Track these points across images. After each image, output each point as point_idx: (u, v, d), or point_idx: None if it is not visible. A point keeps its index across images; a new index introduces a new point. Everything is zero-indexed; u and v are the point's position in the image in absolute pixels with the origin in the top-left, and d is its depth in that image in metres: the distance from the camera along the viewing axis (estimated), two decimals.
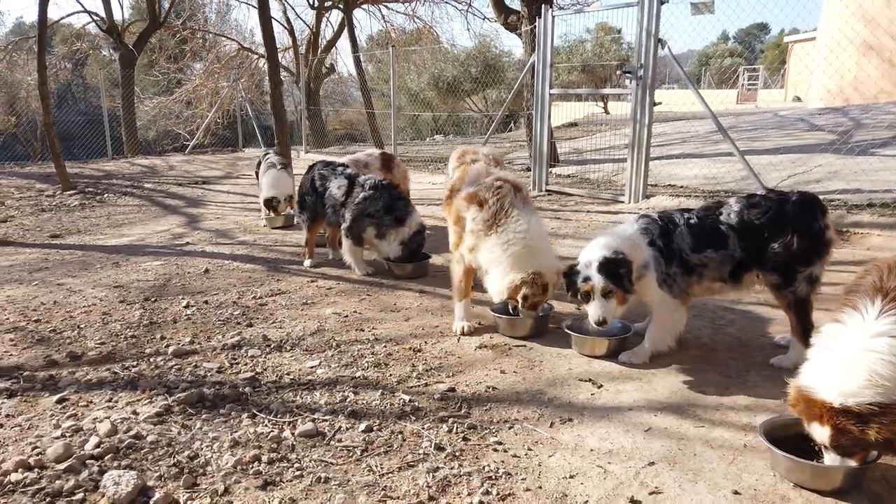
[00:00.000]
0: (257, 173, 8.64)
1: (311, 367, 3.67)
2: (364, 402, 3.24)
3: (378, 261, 5.78)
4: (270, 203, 7.66)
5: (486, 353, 3.85)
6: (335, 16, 23.44)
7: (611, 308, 3.43)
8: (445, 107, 27.27)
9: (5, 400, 3.29)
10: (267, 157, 8.12)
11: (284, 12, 22.50)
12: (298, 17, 27.10)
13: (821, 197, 7.96)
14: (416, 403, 3.21)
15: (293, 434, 2.93)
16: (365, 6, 22.57)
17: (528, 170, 12.25)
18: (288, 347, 3.98)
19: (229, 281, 5.48)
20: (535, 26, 10.22)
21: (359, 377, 3.53)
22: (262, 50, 24.07)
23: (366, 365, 3.69)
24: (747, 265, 3.43)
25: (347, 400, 3.27)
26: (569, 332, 3.83)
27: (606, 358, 3.67)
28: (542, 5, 10.60)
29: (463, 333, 4.13)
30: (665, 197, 8.47)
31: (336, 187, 5.61)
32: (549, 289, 3.89)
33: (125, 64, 19.99)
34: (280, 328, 4.33)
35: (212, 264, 6.00)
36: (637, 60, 8.33)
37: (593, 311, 3.45)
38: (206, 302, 4.89)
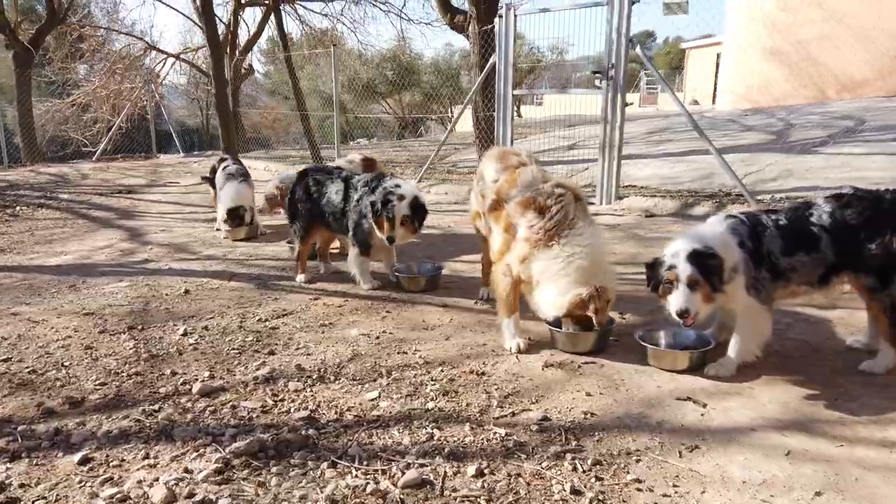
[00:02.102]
0: (211, 180, 7.93)
1: (372, 400, 3.20)
2: (455, 439, 2.83)
3: (385, 275, 5.32)
4: (237, 212, 6.99)
5: (556, 373, 3.52)
6: (247, 14, 22.37)
7: (695, 301, 3.18)
8: (360, 110, 26.73)
9: (9, 464, 2.64)
10: (226, 167, 7.45)
11: (197, 8, 21.19)
12: (214, 13, 25.48)
13: (783, 195, 8.30)
14: (516, 437, 2.83)
15: (395, 485, 2.48)
16: (282, 6, 21.66)
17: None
18: (331, 378, 3.48)
19: (220, 302, 4.84)
20: (491, 27, 10.00)
21: (432, 409, 3.10)
22: (168, 49, 22.68)
23: (432, 394, 3.26)
24: (839, 268, 3.29)
25: (435, 438, 2.84)
26: (644, 344, 3.57)
27: (689, 372, 3.43)
28: (497, 5, 10.43)
29: (520, 351, 3.77)
30: (639, 198, 8.46)
31: (334, 192, 5.11)
32: (611, 305, 3.65)
33: (20, 63, 18.10)
34: (309, 355, 3.81)
35: (189, 284, 5.32)
36: (608, 61, 8.26)
37: (676, 299, 3.19)
38: (206, 328, 4.27)
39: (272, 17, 16.96)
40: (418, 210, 4.78)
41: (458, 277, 5.41)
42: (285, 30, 21.02)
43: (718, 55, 25.15)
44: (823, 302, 4.10)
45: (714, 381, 3.32)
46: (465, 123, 12.60)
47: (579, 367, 3.58)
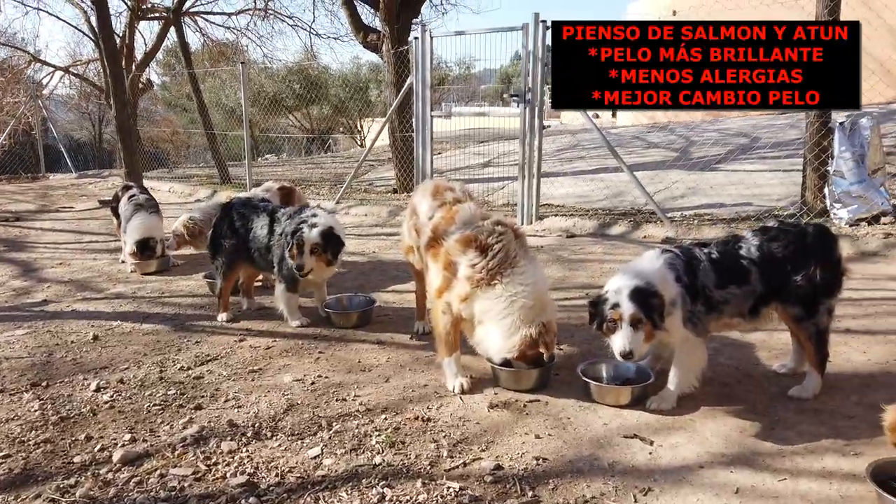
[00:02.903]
0: (115, 209, 7.40)
1: (315, 458, 3.02)
2: (408, 498, 2.70)
3: (314, 309, 5.11)
4: (147, 244, 6.53)
5: (502, 414, 3.46)
6: (142, 26, 21.24)
7: (639, 340, 3.22)
8: (266, 124, 26.07)
9: None
10: (132, 196, 6.97)
11: (88, 20, 19.91)
12: (113, 32, 23.96)
13: (690, 212, 8.70)
14: (471, 491, 2.73)
15: None
16: (183, 17, 20.75)
17: (395, 192, 11.97)
18: (267, 433, 3.27)
19: (134, 349, 4.48)
20: (406, 48, 9.97)
21: (380, 465, 2.96)
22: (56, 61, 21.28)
23: (378, 447, 3.12)
24: (767, 299, 3.43)
25: (387, 498, 2.70)
26: (586, 380, 3.57)
27: (631, 406, 3.46)
28: (411, 26, 10.41)
29: (463, 392, 3.69)
30: (558, 218, 8.62)
31: (260, 227, 4.87)
32: (555, 337, 3.65)
33: None
34: (240, 407, 3.57)
35: (98, 328, 4.90)
36: (524, 85, 8.41)
37: (619, 340, 3.22)
38: (121, 381, 3.92)
39: (172, 30, 16.16)
40: (331, 240, 4.59)
41: (390, 310, 5.28)
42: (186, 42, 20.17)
43: None
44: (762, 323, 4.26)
45: (657, 416, 3.36)
46: (379, 137, 12.49)
47: (524, 406, 3.53)
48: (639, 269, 3.39)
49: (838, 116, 7.42)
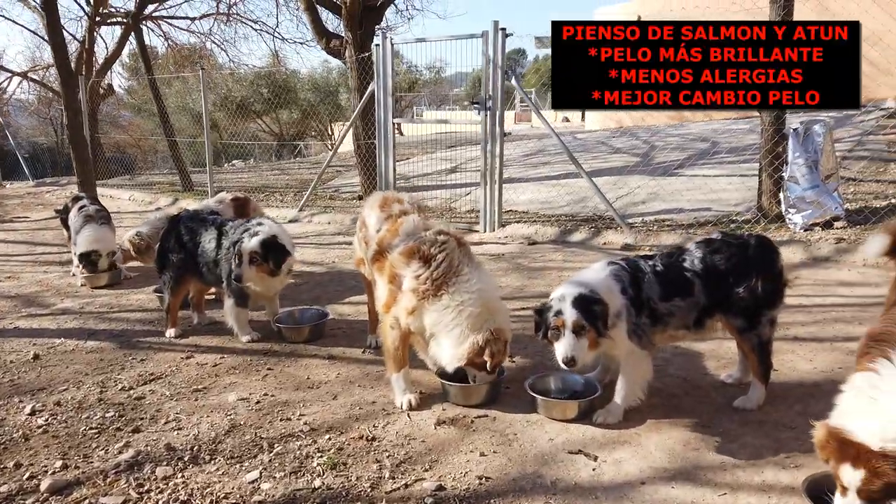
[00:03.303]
0: (64, 220, 7.21)
1: (252, 482, 2.94)
2: None
3: (267, 323, 5.01)
4: (89, 257, 6.36)
5: (449, 431, 3.41)
6: (103, 30, 20.85)
7: (581, 347, 3.19)
8: (234, 129, 25.73)
9: None
10: (82, 208, 6.77)
11: (46, 26, 19.46)
12: (64, 29, 23.35)
13: (651, 218, 8.76)
14: None
15: None
16: (144, 22, 20.41)
17: (360, 198, 11.89)
18: (206, 457, 3.18)
19: (75, 368, 4.34)
20: (369, 54, 9.89)
21: (320, 488, 2.89)
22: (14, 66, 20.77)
23: (319, 469, 3.05)
24: (711, 311, 3.44)
25: None
26: (534, 395, 3.54)
27: (579, 420, 3.44)
28: (374, 31, 10.34)
29: (411, 408, 3.64)
30: (520, 224, 8.62)
31: (208, 241, 4.76)
32: (507, 347, 3.59)
33: None
34: (180, 429, 3.47)
35: (40, 347, 4.74)
36: (485, 91, 8.40)
37: (562, 348, 3.19)
38: (58, 404, 3.79)
39: (133, 35, 15.87)
40: (272, 249, 4.50)
41: (344, 323, 5.21)
42: (149, 46, 19.83)
43: None
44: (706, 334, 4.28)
45: (603, 430, 3.34)
46: (348, 142, 12.39)
47: (472, 421, 3.49)
48: (585, 279, 3.39)
49: (792, 122, 7.56)
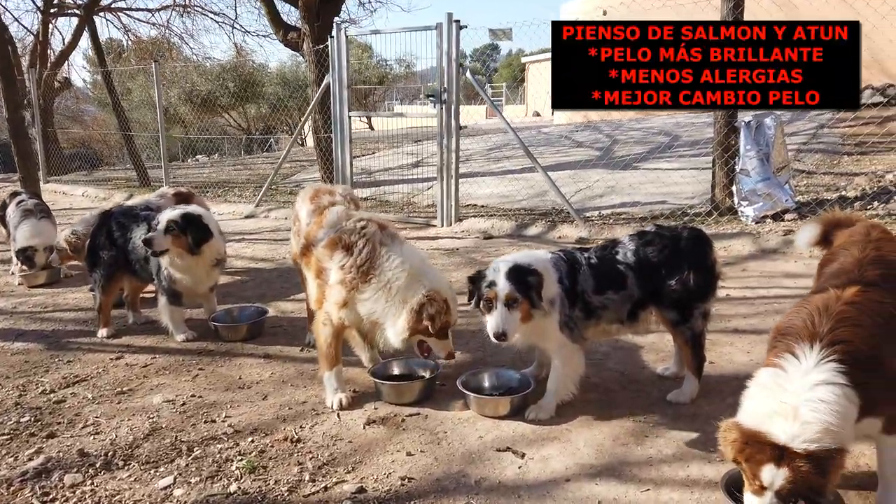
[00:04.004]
0: (2, 217, 6.94)
1: (165, 489, 2.82)
2: None
3: (205, 324, 4.86)
4: (25, 253, 6.13)
5: (378, 430, 3.32)
6: (61, 22, 20.32)
7: (513, 320, 3.11)
8: (199, 123, 25.26)
9: None
10: (21, 202, 6.53)
11: None
12: (17, 20, 22.66)
13: (608, 211, 8.76)
14: None
15: None
16: (102, 14, 19.90)
17: None
18: (119, 463, 3.04)
19: None
20: (325, 46, 9.72)
21: (235, 493, 2.79)
22: None
23: (237, 473, 2.94)
24: (644, 304, 3.40)
25: None
26: (465, 391, 3.47)
27: (511, 417, 3.37)
28: (333, 24, 10.17)
29: (342, 408, 3.54)
30: (478, 219, 8.56)
31: (140, 237, 4.59)
32: (451, 304, 3.41)
33: None
34: (97, 434, 3.33)
35: None
36: (440, 84, 8.30)
37: (493, 321, 3.12)
38: None
39: (87, 27, 15.43)
40: (193, 224, 4.36)
41: (286, 320, 5.08)
42: (112, 39, 19.39)
43: None
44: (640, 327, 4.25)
45: (535, 426, 3.28)
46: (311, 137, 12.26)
47: (403, 420, 3.41)
48: (525, 254, 3.34)
49: (744, 115, 7.59)
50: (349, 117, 9.34)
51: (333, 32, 9.10)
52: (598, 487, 2.75)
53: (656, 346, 4.19)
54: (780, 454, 2.17)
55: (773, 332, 2.59)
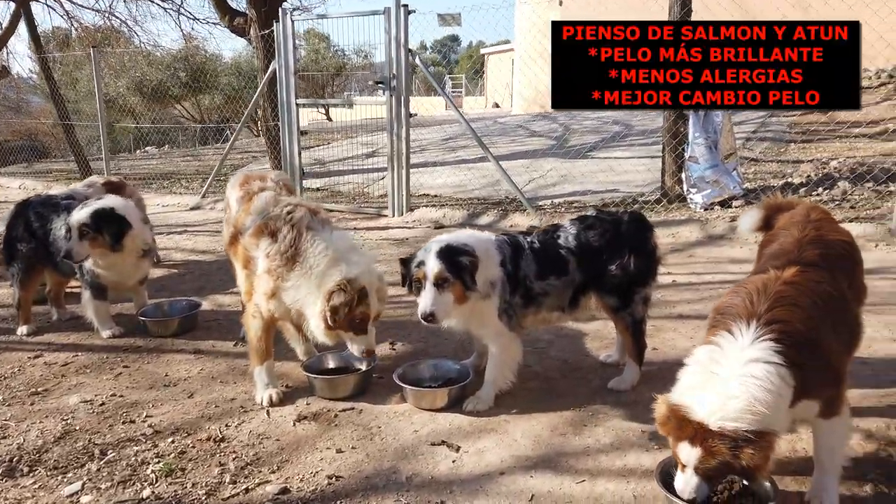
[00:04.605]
0: None
1: (72, 496, 2.62)
2: None
3: (135, 318, 4.62)
4: None
5: (308, 427, 3.16)
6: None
7: (444, 302, 2.97)
8: (151, 114, 24.47)
9: None
10: None
11: None
12: None
13: (560, 200, 8.72)
14: None
15: None
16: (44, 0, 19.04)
17: None
18: (24, 469, 2.82)
19: None
20: (270, 31, 9.42)
21: (147, 498, 2.60)
22: None
23: (153, 476, 2.75)
24: (586, 289, 3.31)
25: None
26: (401, 384, 3.33)
27: (449, 409, 3.25)
28: (279, 9, 9.86)
29: (272, 404, 3.37)
30: (429, 208, 8.42)
31: (60, 228, 4.32)
32: (371, 295, 3.16)
33: None
34: (4, 439, 3.09)
35: None
36: (388, 71, 8.11)
37: (421, 301, 2.98)
38: None
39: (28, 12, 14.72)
40: (106, 220, 4.07)
41: (222, 313, 4.87)
42: (56, 27, 18.48)
43: (513, 61, 26.53)
44: (584, 314, 4.17)
45: (472, 418, 3.17)
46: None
47: (336, 416, 3.25)
48: (462, 235, 3.21)
49: None
50: (297, 105, 9.07)
51: (280, 16, 8.79)
52: (533, 480, 2.64)
53: (600, 333, 4.11)
54: (696, 432, 2.13)
55: (713, 311, 2.53)
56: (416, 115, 8.40)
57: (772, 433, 2.09)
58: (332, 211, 9.16)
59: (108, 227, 4.05)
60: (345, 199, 10.05)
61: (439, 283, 2.96)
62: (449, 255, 2.99)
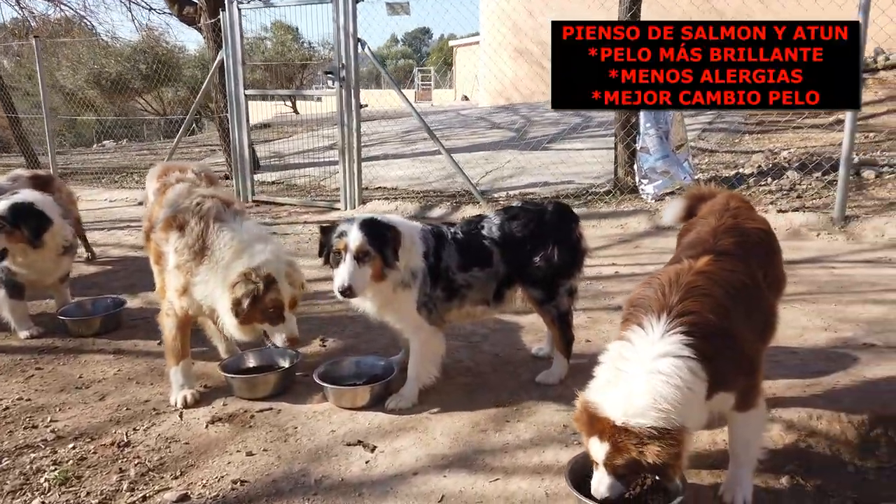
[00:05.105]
0: None
1: None
2: None
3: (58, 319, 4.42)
4: None
5: (222, 429, 3.02)
6: None
7: (362, 276, 2.85)
8: (113, 107, 23.85)
9: None
10: None
11: None
12: None
13: (515, 192, 8.65)
14: None
15: None
16: None
17: (227, 178, 11.17)
18: None
19: None
20: (217, 20, 9.17)
21: None
22: None
23: (46, 485, 2.59)
24: (511, 282, 3.22)
25: None
26: (321, 383, 3.20)
27: (371, 407, 3.14)
28: None
29: (186, 406, 3.22)
30: (381, 201, 8.29)
31: None
32: (281, 281, 2.99)
33: None
34: None
35: None
36: (338, 60, 7.93)
37: (339, 274, 2.84)
38: None
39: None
40: (25, 215, 3.90)
41: (152, 311, 4.61)
42: (15, 19, 17.77)
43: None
44: (519, 307, 4.09)
45: (394, 416, 3.06)
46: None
47: (252, 416, 3.12)
48: (393, 217, 3.12)
49: None
50: (245, 97, 8.84)
51: (226, 4, 8.55)
52: (446, 480, 2.55)
53: (535, 326, 4.03)
54: (604, 428, 2.07)
55: (626, 303, 2.46)
56: (365, 105, 8.25)
57: (681, 430, 2.02)
58: (283, 205, 8.99)
59: (27, 222, 3.86)
60: (299, 192, 9.87)
61: (360, 257, 2.85)
62: (372, 227, 2.89)
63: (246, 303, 2.89)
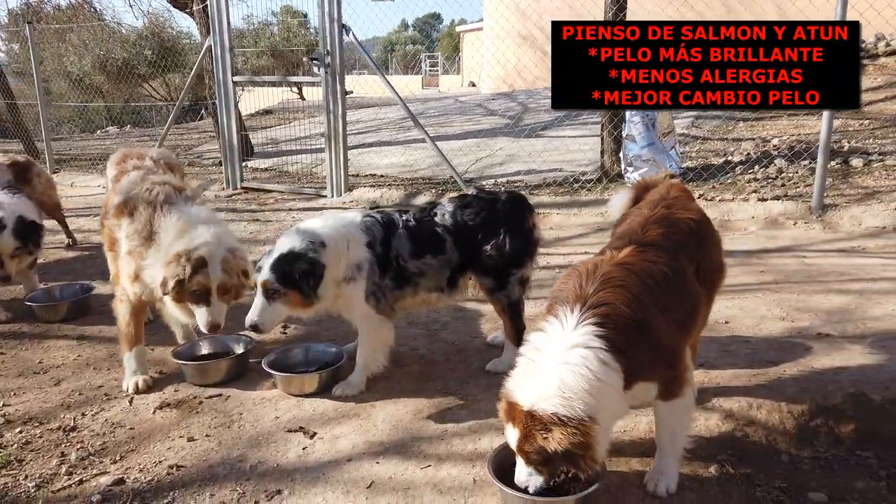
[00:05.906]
0: None
1: None
2: None
3: (25, 304, 4.46)
4: None
5: (168, 414, 3.06)
6: None
7: (273, 313, 2.92)
8: (120, 94, 23.89)
9: None
10: None
11: None
12: None
13: (503, 179, 8.61)
14: None
15: None
16: None
17: (221, 164, 11.21)
18: None
19: None
20: (206, 5, 9.15)
21: None
22: None
23: None
24: (463, 270, 3.22)
25: None
26: (269, 370, 3.22)
27: (319, 394, 3.16)
28: None
29: (137, 391, 3.26)
30: (367, 188, 8.28)
31: None
32: (213, 265, 3.00)
33: None
34: None
35: None
36: (323, 47, 7.91)
37: (251, 310, 2.92)
38: None
39: None
40: None
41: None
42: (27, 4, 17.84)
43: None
44: (478, 294, 4.09)
45: (340, 403, 3.08)
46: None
47: (201, 402, 3.15)
48: (313, 227, 3.09)
49: None
50: (233, 83, 8.84)
51: None
52: (378, 466, 2.57)
53: (495, 314, 4.03)
54: (516, 415, 2.09)
55: (550, 295, 2.45)
56: (350, 92, 8.21)
57: (588, 419, 2.01)
58: (270, 192, 9.00)
59: None
60: (290, 179, 9.88)
61: (269, 294, 2.89)
62: (282, 264, 2.90)
63: (172, 283, 2.92)
